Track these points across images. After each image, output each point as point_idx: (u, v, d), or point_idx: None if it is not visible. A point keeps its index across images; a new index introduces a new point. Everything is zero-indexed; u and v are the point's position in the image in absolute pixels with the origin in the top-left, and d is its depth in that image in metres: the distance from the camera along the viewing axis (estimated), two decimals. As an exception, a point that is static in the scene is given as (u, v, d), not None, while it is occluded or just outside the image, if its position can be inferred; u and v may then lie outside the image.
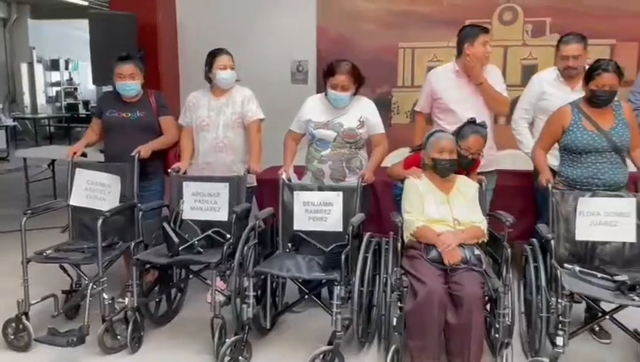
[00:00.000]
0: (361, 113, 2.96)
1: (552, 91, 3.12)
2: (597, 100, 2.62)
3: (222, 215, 2.85)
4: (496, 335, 2.31)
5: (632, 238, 2.52)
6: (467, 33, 3.07)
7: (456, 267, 2.38)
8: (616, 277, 2.30)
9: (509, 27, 4.51)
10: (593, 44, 4.37)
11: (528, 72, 4.32)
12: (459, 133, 2.72)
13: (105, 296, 2.59)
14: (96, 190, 2.97)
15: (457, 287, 2.31)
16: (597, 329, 2.76)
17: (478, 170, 3.01)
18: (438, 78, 3.16)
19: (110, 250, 2.78)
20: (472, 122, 2.74)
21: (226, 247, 2.55)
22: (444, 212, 2.56)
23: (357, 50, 4.66)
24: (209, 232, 2.77)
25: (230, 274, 2.55)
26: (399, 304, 2.38)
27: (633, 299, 2.21)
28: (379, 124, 3.01)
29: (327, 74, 2.92)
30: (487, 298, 2.42)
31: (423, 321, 2.28)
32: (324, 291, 2.93)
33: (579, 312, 2.81)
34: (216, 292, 2.59)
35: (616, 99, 2.73)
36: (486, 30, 3.08)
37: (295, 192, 2.82)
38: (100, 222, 2.59)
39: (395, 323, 2.37)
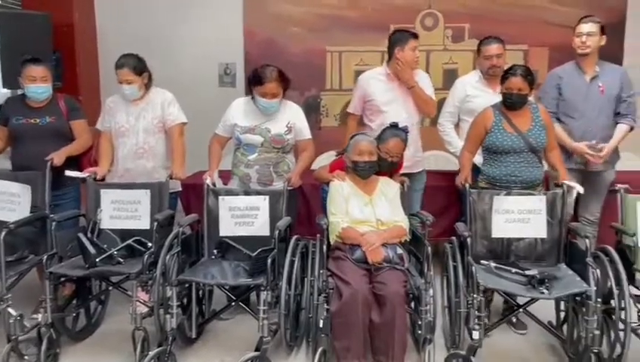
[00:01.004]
0: (289, 119, 2.96)
1: (476, 93, 3.26)
2: (506, 102, 2.77)
3: (143, 223, 2.75)
4: (419, 332, 2.37)
5: (542, 234, 2.66)
6: (398, 38, 3.14)
7: (379, 266, 2.43)
8: (527, 272, 2.41)
9: (431, 33, 4.66)
10: (508, 49, 4.61)
11: (449, 75, 4.52)
12: (380, 137, 2.77)
13: (12, 312, 2.41)
14: (5, 200, 2.79)
15: (381, 286, 2.35)
16: (514, 320, 2.89)
17: (407, 172, 3.11)
18: (370, 81, 3.21)
19: (19, 265, 2.61)
20: (393, 126, 2.80)
21: (146, 256, 2.46)
22: (368, 213, 2.60)
23: (285, 53, 4.66)
24: (129, 241, 2.66)
25: (152, 284, 2.46)
26: (326, 306, 2.39)
27: (542, 292, 2.33)
28: (306, 130, 3.02)
29: (254, 82, 2.88)
30: (410, 295, 2.48)
31: (348, 321, 2.30)
32: (254, 296, 2.90)
33: (498, 305, 2.95)
34: (139, 303, 2.49)
35: (533, 101, 2.89)
36: (416, 36, 3.15)
37: (220, 197, 2.77)
38: (3, 234, 2.43)
39: (321, 325, 2.37)
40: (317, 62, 4.76)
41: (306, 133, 3.03)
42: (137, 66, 2.93)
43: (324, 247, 2.50)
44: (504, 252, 2.70)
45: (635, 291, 2.33)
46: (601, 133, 3.09)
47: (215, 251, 2.74)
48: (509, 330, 2.89)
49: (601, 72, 3.10)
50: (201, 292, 2.77)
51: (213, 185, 2.82)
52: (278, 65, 2.94)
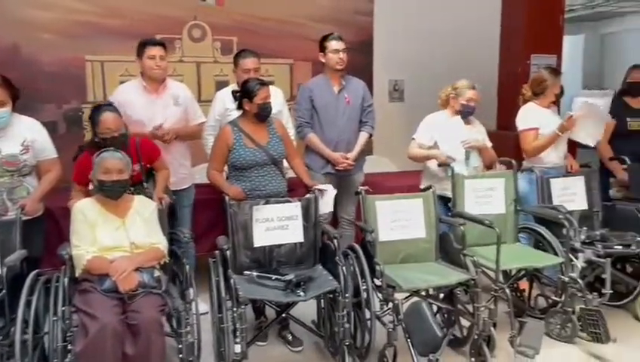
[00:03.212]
0: (26, 136, 2.61)
1: (235, 106, 3.27)
2: (264, 113, 2.82)
3: None
4: (180, 355, 2.27)
5: (300, 238, 2.77)
6: (138, 47, 3.09)
7: (133, 294, 2.25)
8: (286, 277, 2.49)
9: (200, 44, 4.61)
10: (276, 63, 4.85)
11: (221, 87, 4.49)
12: (93, 121, 2.61)
13: None
14: None
15: (134, 315, 2.17)
16: (290, 338, 2.91)
17: (174, 188, 3.02)
18: (129, 94, 3.10)
19: None
20: (99, 107, 2.67)
21: None
22: (120, 237, 2.40)
23: (35, 62, 4.12)
24: None
25: None
26: (70, 346, 2.13)
27: (299, 295, 2.43)
28: (50, 148, 2.71)
29: None
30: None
31: (98, 360, 2.08)
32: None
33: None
34: None
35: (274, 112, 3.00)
36: (158, 43, 3.08)
37: None
38: None
39: (66, 370, 2.11)
40: (76, 73, 4.31)
41: (50, 151, 2.71)
42: None
43: (66, 280, 2.23)
44: (267, 259, 2.75)
45: (377, 282, 2.57)
46: (352, 139, 3.39)
47: None
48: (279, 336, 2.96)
49: (346, 85, 3.40)
50: None
51: None
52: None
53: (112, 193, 2.42)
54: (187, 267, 2.39)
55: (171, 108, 3.16)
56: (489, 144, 3.35)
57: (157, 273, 2.38)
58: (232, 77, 4.64)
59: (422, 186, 3.26)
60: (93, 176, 2.45)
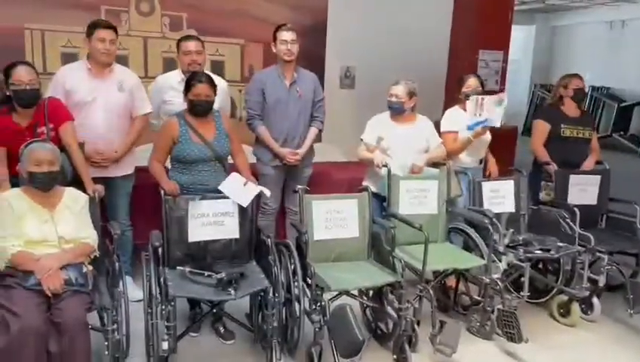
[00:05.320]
0: None
1: (176, 94, 3.17)
2: (196, 110, 2.79)
3: None
4: (106, 352, 2.29)
5: (236, 235, 2.79)
6: (88, 28, 2.99)
7: (58, 292, 2.22)
8: (217, 275, 2.52)
9: (148, 18, 4.47)
10: (226, 43, 4.76)
11: (169, 64, 4.41)
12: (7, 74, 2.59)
13: None
14: None
15: (59, 313, 2.16)
16: (222, 331, 2.94)
17: (110, 175, 3.03)
18: (71, 73, 3.04)
19: None
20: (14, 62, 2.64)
21: None
22: (48, 231, 2.36)
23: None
24: None
25: None
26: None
27: (229, 293, 2.46)
28: None
29: None
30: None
31: (19, 359, 2.07)
32: None
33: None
34: None
35: (216, 110, 2.93)
36: (109, 26, 3.00)
37: None
38: None
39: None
40: (13, 42, 4.12)
41: None
42: None
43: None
44: (201, 254, 2.76)
45: (309, 281, 2.64)
46: (302, 134, 3.40)
47: None
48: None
49: (298, 78, 3.38)
50: None
51: None
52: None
53: (44, 185, 2.37)
54: (117, 264, 2.38)
55: (114, 94, 3.09)
56: (435, 141, 3.38)
57: (85, 269, 2.37)
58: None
59: (364, 183, 3.30)
60: (21, 168, 2.39)
